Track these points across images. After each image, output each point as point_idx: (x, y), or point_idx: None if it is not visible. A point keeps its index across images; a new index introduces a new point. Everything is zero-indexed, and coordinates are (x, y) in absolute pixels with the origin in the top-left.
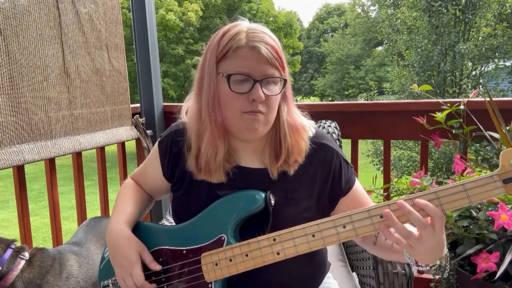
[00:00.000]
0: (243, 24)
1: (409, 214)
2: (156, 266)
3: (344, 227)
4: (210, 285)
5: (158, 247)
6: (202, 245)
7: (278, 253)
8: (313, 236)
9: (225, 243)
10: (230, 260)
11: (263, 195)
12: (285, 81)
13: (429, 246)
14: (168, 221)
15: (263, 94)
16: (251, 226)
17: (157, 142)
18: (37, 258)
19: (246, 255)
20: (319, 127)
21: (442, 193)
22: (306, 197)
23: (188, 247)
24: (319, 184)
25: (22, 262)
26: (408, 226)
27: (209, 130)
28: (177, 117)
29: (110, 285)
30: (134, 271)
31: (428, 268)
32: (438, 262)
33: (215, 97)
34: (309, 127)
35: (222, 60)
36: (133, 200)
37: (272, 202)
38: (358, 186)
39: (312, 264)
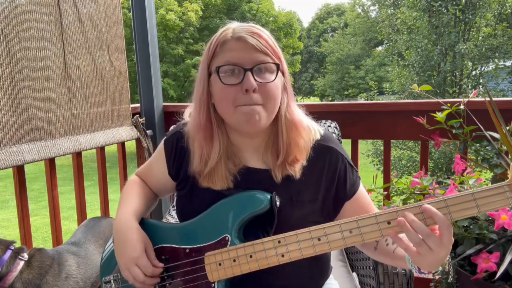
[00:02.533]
0: (232, 23)
1: (412, 223)
2: (158, 264)
3: (351, 232)
4: (213, 285)
5: (161, 245)
6: (205, 244)
7: (282, 255)
8: (319, 239)
9: (229, 243)
10: (234, 260)
11: (268, 196)
12: (278, 66)
13: (439, 255)
14: (168, 220)
15: (255, 82)
16: (255, 227)
17: (163, 140)
18: (36, 259)
19: (251, 256)
20: None
21: (451, 202)
22: (311, 200)
23: (191, 246)
24: (324, 187)
25: (21, 263)
26: None
27: (202, 131)
28: (178, 118)
29: (112, 281)
30: (140, 261)
31: (430, 275)
32: (440, 268)
33: (203, 98)
34: (317, 129)
35: (212, 59)
36: (139, 195)
37: (277, 203)
38: (363, 190)
39: (316, 267)
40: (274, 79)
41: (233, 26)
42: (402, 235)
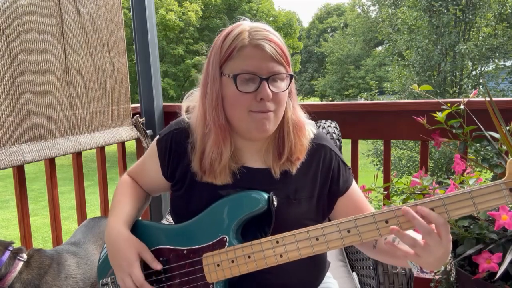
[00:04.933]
0: (245, 24)
1: (413, 220)
2: (157, 265)
3: (349, 231)
4: (212, 286)
5: (158, 247)
6: (203, 245)
7: (281, 256)
8: (317, 239)
9: (227, 244)
10: (232, 261)
11: (265, 196)
12: (291, 77)
13: (437, 255)
14: (168, 221)
15: (270, 92)
16: (253, 227)
17: (155, 140)
18: (35, 259)
19: (249, 257)
20: (319, 127)
21: (448, 200)
22: (308, 197)
23: (189, 247)
24: (320, 184)
25: (20, 264)
26: (412, 233)
27: (213, 133)
28: (178, 116)
29: (109, 283)
30: (133, 272)
31: (432, 274)
32: (442, 268)
33: (218, 99)
34: (310, 128)
35: (227, 61)
36: (131, 198)
37: (275, 203)
38: (356, 187)
39: (313, 265)
40: (286, 89)
41: (247, 28)
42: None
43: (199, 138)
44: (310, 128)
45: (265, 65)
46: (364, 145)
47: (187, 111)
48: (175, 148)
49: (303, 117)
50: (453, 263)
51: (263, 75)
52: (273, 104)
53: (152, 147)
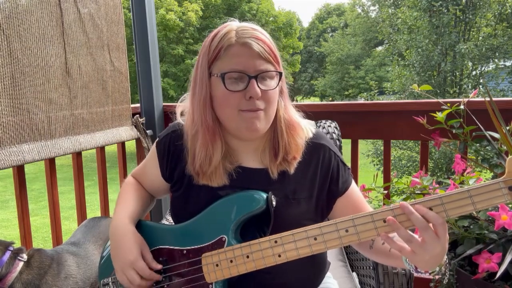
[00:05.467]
0: (232, 24)
1: (411, 215)
2: (156, 265)
3: (347, 231)
4: (211, 285)
5: (158, 247)
6: (202, 245)
7: (279, 255)
8: (315, 239)
9: (226, 243)
10: (231, 261)
11: (264, 195)
12: (280, 74)
13: (433, 253)
14: (168, 221)
15: (259, 90)
16: (252, 227)
17: (155, 142)
18: (35, 259)
19: (247, 257)
20: (319, 127)
21: (446, 199)
22: (307, 197)
23: (189, 247)
24: (319, 184)
25: (21, 264)
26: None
27: (201, 133)
28: (173, 118)
29: (110, 283)
30: (137, 264)
31: (427, 274)
32: (437, 269)
33: (206, 99)
34: (309, 127)
35: (215, 61)
36: (136, 197)
37: (274, 203)
38: (355, 187)
39: (313, 264)
40: (276, 87)
41: (234, 28)
42: (394, 235)
43: (189, 139)
44: (309, 128)
45: (253, 63)
46: (364, 145)
47: (182, 115)
48: (173, 150)
49: (296, 116)
50: (447, 265)
51: (251, 73)
52: (263, 102)
53: (152, 150)
